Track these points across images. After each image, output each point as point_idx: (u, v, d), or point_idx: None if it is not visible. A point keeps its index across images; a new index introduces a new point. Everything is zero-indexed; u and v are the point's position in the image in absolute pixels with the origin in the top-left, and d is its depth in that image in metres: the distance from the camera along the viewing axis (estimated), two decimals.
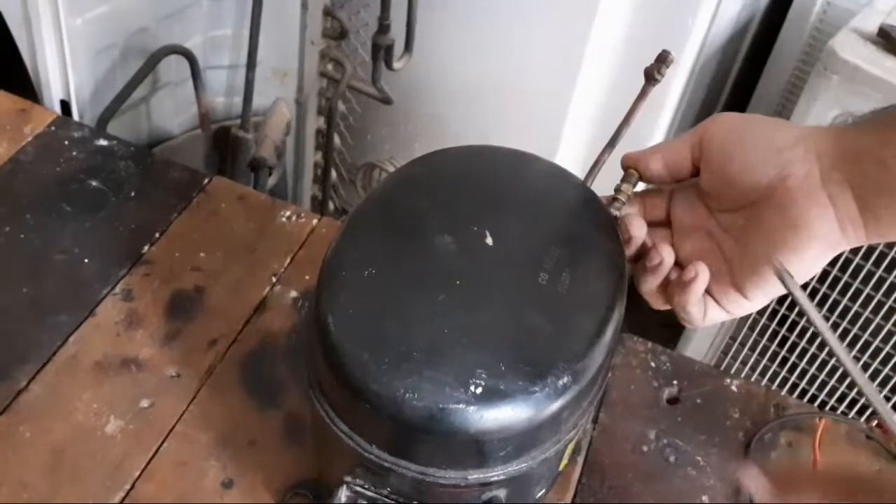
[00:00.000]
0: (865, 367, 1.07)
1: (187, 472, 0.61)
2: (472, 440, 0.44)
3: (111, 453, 0.61)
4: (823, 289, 1.05)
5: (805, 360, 1.11)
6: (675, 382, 0.70)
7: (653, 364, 0.71)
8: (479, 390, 0.43)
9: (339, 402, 0.47)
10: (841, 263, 1.03)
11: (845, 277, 1.03)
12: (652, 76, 0.53)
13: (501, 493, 0.48)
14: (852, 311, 1.04)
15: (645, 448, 0.66)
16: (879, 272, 1.00)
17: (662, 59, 0.53)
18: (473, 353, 0.44)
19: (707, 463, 0.65)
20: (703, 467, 0.65)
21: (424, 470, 0.46)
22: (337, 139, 1.27)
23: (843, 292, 1.04)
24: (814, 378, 1.12)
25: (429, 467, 0.46)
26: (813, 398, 1.12)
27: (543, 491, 0.53)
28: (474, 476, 0.46)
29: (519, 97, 1.12)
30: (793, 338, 1.11)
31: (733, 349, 1.17)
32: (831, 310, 1.06)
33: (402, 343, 0.45)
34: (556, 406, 0.45)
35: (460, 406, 0.43)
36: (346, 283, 0.47)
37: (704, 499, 0.63)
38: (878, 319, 1.03)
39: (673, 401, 0.69)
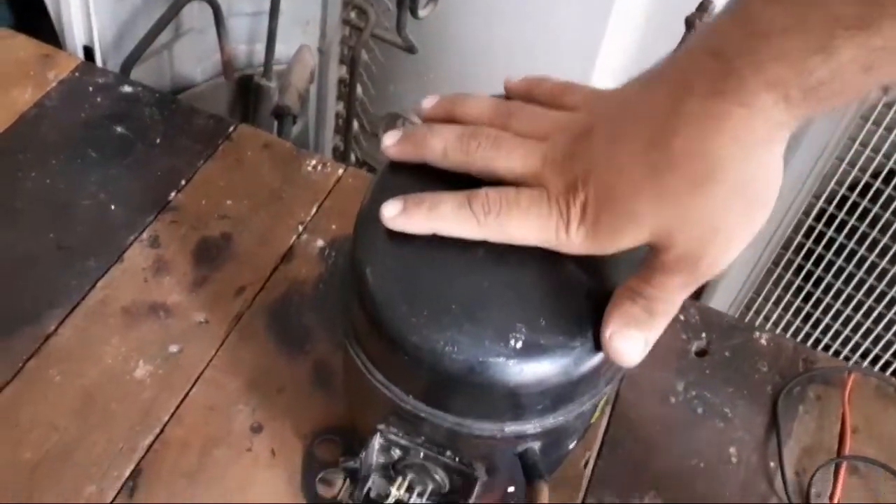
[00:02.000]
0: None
1: (216, 417, 0.61)
2: (510, 394, 0.44)
3: (140, 397, 0.61)
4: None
5: (830, 315, 1.10)
6: (703, 335, 0.69)
7: (682, 317, 0.70)
8: (518, 344, 0.43)
9: (375, 352, 0.47)
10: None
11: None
12: (693, 24, 0.52)
13: (536, 445, 0.48)
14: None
15: (672, 400, 0.66)
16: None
17: (704, 8, 0.51)
18: (513, 307, 0.44)
19: (735, 415, 0.65)
20: (730, 419, 0.65)
21: (460, 421, 0.45)
22: (359, 89, 1.26)
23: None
24: (838, 334, 1.11)
25: (465, 419, 0.45)
26: (836, 354, 1.11)
27: (575, 442, 0.53)
28: (510, 428, 0.46)
29: (545, 50, 1.10)
30: (818, 293, 1.10)
31: (757, 304, 1.16)
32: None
33: (441, 295, 0.44)
34: (595, 361, 0.44)
35: (500, 360, 0.42)
36: (382, 233, 0.46)
37: (732, 450, 0.63)
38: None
39: (701, 353, 0.69)
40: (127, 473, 0.58)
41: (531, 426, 0.46)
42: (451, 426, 0.46)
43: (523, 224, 0.42)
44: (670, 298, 0.41)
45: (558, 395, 0.45)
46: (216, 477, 0.58)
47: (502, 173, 0.44)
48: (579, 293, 0.45)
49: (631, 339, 0.42)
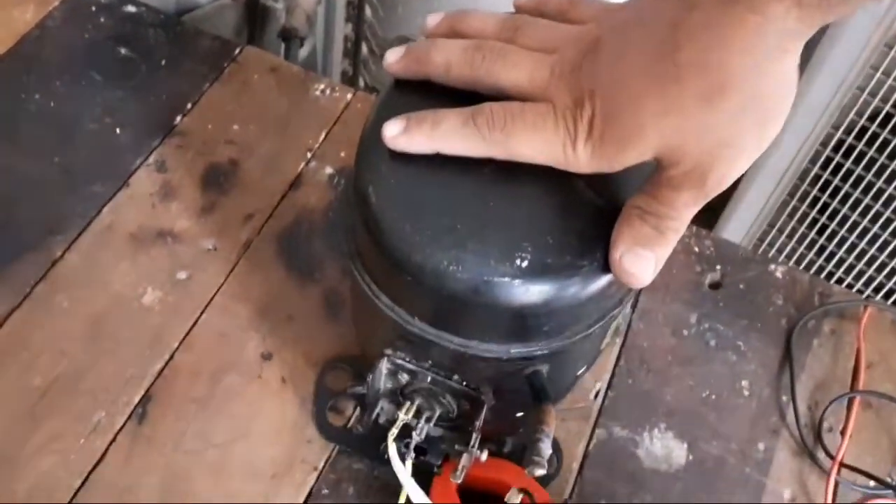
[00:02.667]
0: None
1: (226, 344, 0.61)
2: (516, 314, 0.43)
3: (149, 324, 0.61)
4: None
5: (844, 248, 1.09)
6: (717, 267, 0.68)
7: (696, 248, 0.69)
8: (524, 264, 0.42)
9: (380, 274, 0.46)
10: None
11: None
12: None
13: (543, 368, 0.47)
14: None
15: (685, 332, 0.65)
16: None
17: None
18: (519, 226, 0.43)
19: (748, 348, 0.64)
20: (743, 352, 0.64)
21: (466, 343, 0.45)
22: (368, 11, 1.22)
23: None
24: (852, 268, 1.10)
25: (471, 340, 0.45)
26: (850, 288, 1.10)
27: (584, 368, 0.53)
28: (517, 350, 0.45)
29: None
30: (833, 226, 1.08)
31: (770, 236, 1.14)
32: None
33: (445, 214, 0.43)
34: (603, 282, 0.43)
35: (505, 279, 0.42)
36: (386, 153, 0.45)
37: (744, 384, 0.63)
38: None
39: (715, 285, 0.68)
40: (136, 400, 0.58)
41: (538, 348, 0.45)
42: (456, 348, 0.45)
43: (529, 140, 0.41)
44: (679, 215, 0.40)
45: (565, 316, 0.44)
46: (226, 404, 0.58)
47: (508, 88, 0.42)
48: (587, 212, 0.44)
49: (641, 259, 0.41)
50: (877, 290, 1.09)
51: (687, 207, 0.40)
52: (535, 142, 0.41)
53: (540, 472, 0.43)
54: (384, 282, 0.46)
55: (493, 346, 0.45)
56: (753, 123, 0.38)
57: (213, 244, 0.65)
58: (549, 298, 0.42)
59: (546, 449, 0.44)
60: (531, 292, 0.42)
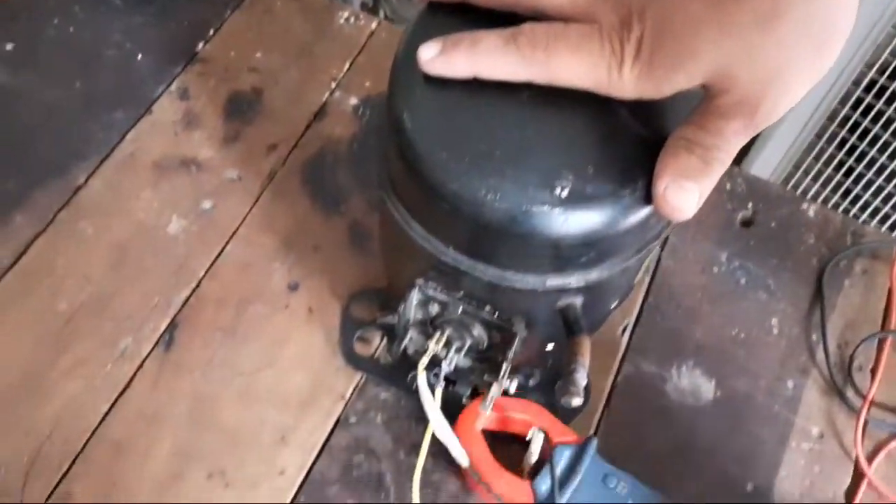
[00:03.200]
0: None
1: (252, 274, 0.60)
2: (553, 245, 0.42)
3: (174, 252, 0.60)
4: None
5: (871, 191, 1.07)
6: (749, 205, 0.67)
7: (728, 185, 0.68)
8: (564, 193, 0.41)
9: (414, 203, 0.45)
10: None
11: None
12: None
13: (578, 301, 0.47)
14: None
15: (715, 269, 0.64)
16: None
17: None
18: (560, 154, 0.41)
19: (778, 287, 0.64)
20: (773, 291, 0.63)
21: (501, 274, 0.44)
22: None
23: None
24: (877, 211, 1.08)
25: (506, 271, 0.44)
26: (891, 226, 1.09)
27: (617, 302, 0.52)
28: (552, 282, 0.44)
29: None
30: (860, 169, 1.06)
31: (796, 178, 1.13)
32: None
33: (483, 141, 0.42)
34: (643, 213, 0.42)
35: (544, 208, 0.40)
36: (420, 77, 0.43)
37: (773, 322, 0.62)
38: None
39: (747, 223, 0.66)
40: (163, 327, 0.57)
41: (574, 280, 0.44)
42: (491, 279, 0.44)
43: (572, 62, 0.39)
44: (727, 146, 0.39)
45: (604, 247, 0.43)
46: (253, 333, 0.58)
47: (548, 9, 0.40)
48: (629, 140, 0.42)
49: (686, 191, 0.39)
50: None
51: (736, 138, 0.39)
52: (579, 63, 0.39)
53: (577, 402, 0.42)
54: (418, 211, 0.45)
55: (529, 278, 0.44)
56: (809, 50, 0.36)
57: (238, 174, 0.64)
58: (589, 229, 0.41)
59: (582, 379, 0.43)
60: (570, 222, 0.41)
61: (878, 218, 1.08)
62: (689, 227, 0.66)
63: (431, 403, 0.49)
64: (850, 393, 0.59)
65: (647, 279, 0.63)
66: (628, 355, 0.60)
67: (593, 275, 0.45)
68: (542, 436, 0.52)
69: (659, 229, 0.46)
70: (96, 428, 0.53)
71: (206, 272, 0.60)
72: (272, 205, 0.63)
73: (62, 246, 0.60)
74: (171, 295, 0.58)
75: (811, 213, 0.67)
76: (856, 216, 1.10)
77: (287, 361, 0.57)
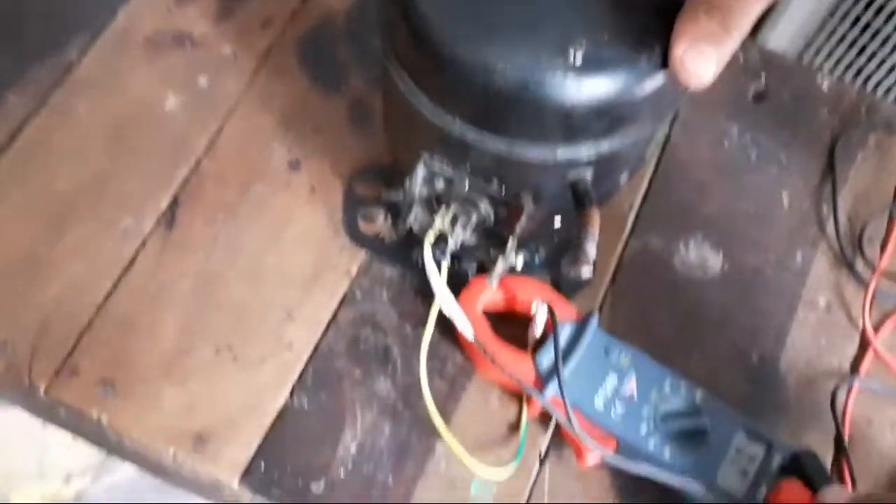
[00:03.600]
0: None
1: (252, 152, 0.59)
2: (566, 114, 0.41)
3: (172, 130, 0.59)
4: None
5: (883, 69, 1.04)
6: (762, 78, 0.65)
7: (741, 58, 0.66)
8: (578, 59, 0.39)
9: (419, 73, 0.43)
10: None
11: None
12: None
13: (588, 174, 0.46)
14: None
15: (726, 144, 0.63)
16: None
17: None
18: (574, 19, 0.40)
19: (790, 161, 0.62)
20: (785, 165, 0.62)
21: (510, 146, 0.43)
22: None
23: None
24: (889, 90, 1.06)
25: (515, 143, 0.43)
26: None
27: (627, 176, 0.51)
28: (563, 154, 0.43)
29: None
30: (873, 46, 1.03)
31: (807, 57, 1.10)
32: None
33: (494, 6, 0.40)
34: (659, 80, 0.41)
35: (557, 75, 0.39)
36: None
37: (784, 196, 0.61)
38: None
39: (759, 97, 0.65)
40: (164, 206, 0.56)
41: (585, 152, 0.43)
42: (499, 152, 0.43)
43: None
44: (748, 10, 0.37)
45: (617, 116, 0.42)
46: (256, 212, 0.57)
47: None
48: (646, 4, 0.40)
49: (704, 56, 0.38)
50: None
51: (758, 2, 0.37)
52: None
53: (586, 272, 0.42)
54: (424, 80, 0.43)
55: (539, 150, 0.43)
56: None
57: (233, 50, 0.62)
58: (603, 96, 0.40)
59: (591, 250, 0.42)
60: (584, 89, 0.39)
61: (891, 98, 1.06)
62: (700, 100, 0.64)
63: (437, 278, 0.49)
64: (859, 265, 0.59)
65: (657, 153, 0.62)
66: (635, 231, 0.59)
67: (605, 146, 0.44)
68: (545, 310, 0.51)
69: (674, 98, 0.45)
70: (101, 304, 0.53)
71: (206, 151, 0.58)
72: (269, 83, 0.61)
73: (57, 126, 0.59)
74: (170, 173, 0.57)
75: (825, 86, 0.66)
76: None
77: (290, 240, 0.56)
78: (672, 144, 0.62)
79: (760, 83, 0.65)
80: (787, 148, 0.63)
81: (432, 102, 0.44)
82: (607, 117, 0.42)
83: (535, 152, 0.43)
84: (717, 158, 0.62)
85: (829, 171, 0.62)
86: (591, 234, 0.43)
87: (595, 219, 0.44)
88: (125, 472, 1.00)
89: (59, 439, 0.94)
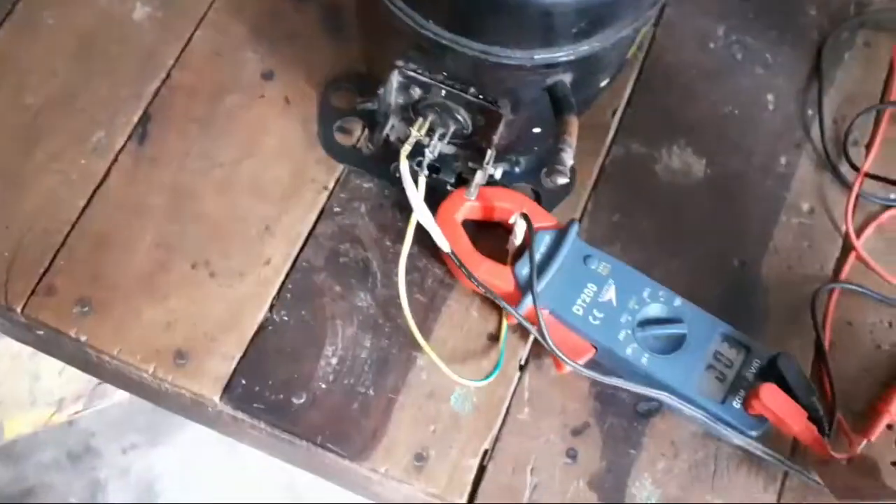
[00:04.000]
0: None
1: (224, 63, 0.57)
2: (544, 12, 0.39)
3: (142, 41, 0.57)
4: None
5: None
6: None
7: None
8: None
9: None
10: None
11: None
12: None
13: (567, 78, 0.44)
14: None
15: (711, 45, 0.61)
16: None
17: None
18: None
19: (776, 61, 0.61)
20: (771, 65, 0.61)
21: (486, 49, 0.42)
22: None
23: None
24: None
25: (492, 46, 0.42)
26: None
27: (608, 80, 0.50)
28: (541, 56, 0.42)
29: None
30: None
31: None
32: None
33: None
34: None
35: None
36: None
37: (769, 97, 0.60)
38: None
39: None
40: (135, 119, 0.55)
41: (563, 53, 0.42)
42: (475, 55, 0.42)
43: None
44: None
45: (598, 15, 0.40)
46: (229, 124, 0.56)
47: None
48: None
49: None
50: None
51: None
52: None
53: (563, 180, 0.41)
54: None
55: (516, 52, 0.42)
56: None
57: None
58: None
59: (568, 159, 0.42)
60: None
61: None
62: (685, 1, 0.62)
63: (414, 191, 0.48)
64: (844, 168, 0.58)
65: (640, 56, 0.60)
66: (618, 137, 0.58)
67: (584, 48, 0.43)
68: (524, 220, 0.51)
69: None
70: (76, 221, 0.52)
71: (176, 61, 0.57)
72: None
73: (24, 40, 0.57)
74: (141, 86, 0.56)
75: None
76: None
77: (266, 153, 0.55)
78: (656, 47, 0.61)
79: None
80: (773, 48, 0.61)
81: (406, 3, 0.42)
82: (587, 17, 0.41)
83: (512, 55, 0.42)
84: (702, 61, 0.60)
85: (816, 71, 0.61)
86: (569, 143, 0.42)
87: (573, 126, 0.43)
88: (118, 397, 1.01)
89: (50, 367, 0.95)
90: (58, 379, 0.97)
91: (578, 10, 0.39)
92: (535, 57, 0.42)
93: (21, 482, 1.01)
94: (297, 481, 1.05)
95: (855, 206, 0.57)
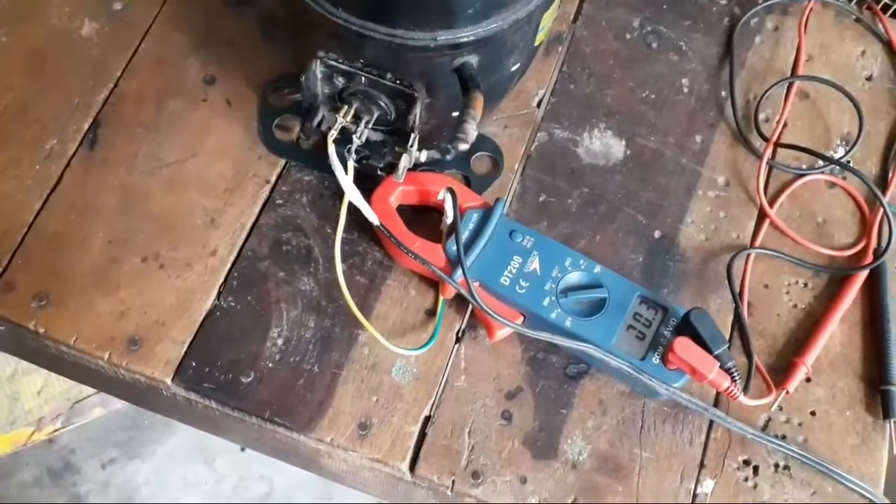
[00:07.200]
0: None
1: (168, 70, 0.61)
2: None
3: (90, 54, 0.61)
4: None
5: None
6: None
7: None
8: None
9: None
10: None
11: None
12: None
13: (473, 60, 0.48)
14: None
15: (628, 36, 0.65)
16: None
17: None
18: None
19: (689, 48, 0.65)
20: (685, 52, 0.65)
21: (392, 31, 0.45)
22: None
23: None
24: None
25: (396, 29, 0.45)
26: None
27: (518, 65, 0.53)
28: (443, 37, 0.46)
29: None
30: None
31: None
32: None
33: None
34: None
35: None
36: None
37: (684, 81, 0.64)
38: None
39: None
40: (86, 126, 0.59)
41: (465, 34, 0.46)
42: (383, 38, 0.46)
43: None
44: None
45: None
46: (175, 126, 0.59)
47: None
48: None
49: None
50: None
51: None
52: None
53: (463, 146, 0.45)
54: None
55: (420, 34, 0.46)
56: None
57: None
58: None
59: (471, 129, 0.45)
60: None
61: None
62: None
63: (342, 172, 0.52)
64: (756, 142, 0.62)
65: (562, 49, 0.64)
66: (542, 124, 0.62)
67: (483, 28, 0.46)
68: (450, 196, 0.54)
69: None
70: (32, 222, 0.56)
71: (123, 71, 0.60)
72: (182, 1, 0.63)
73: None
74: (90, 95, 0.60)
75: None
76: None
77: (209, 151, 0.59)
78: (576, 39, 0.65)
79: None
80: (687, 36, 0.65)
81: None
82: None
83: (417, 37, 0.46)
84: (619, 50, 0.64)
85: (728, 55, 0.65)
86: (472, 116, 0.46)
87: (478, 102, 0.47)
88: (95, 413, 1.04)
89: (29, 388, 0.97)
90: (36, 399, 1.00)
91: None
92: (439, 38, 0.45)
93: (3, 501, 1.03)
94: (275, 492, 1.07)
95: (768, 175, 0.61)
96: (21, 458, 1.03)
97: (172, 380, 0.53)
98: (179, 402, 0.55)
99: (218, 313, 0.55)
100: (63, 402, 1.01)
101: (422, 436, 0.53)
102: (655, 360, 0.52)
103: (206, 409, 0.54)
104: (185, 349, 0.54)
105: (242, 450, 1.03)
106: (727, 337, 0.56)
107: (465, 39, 0.46)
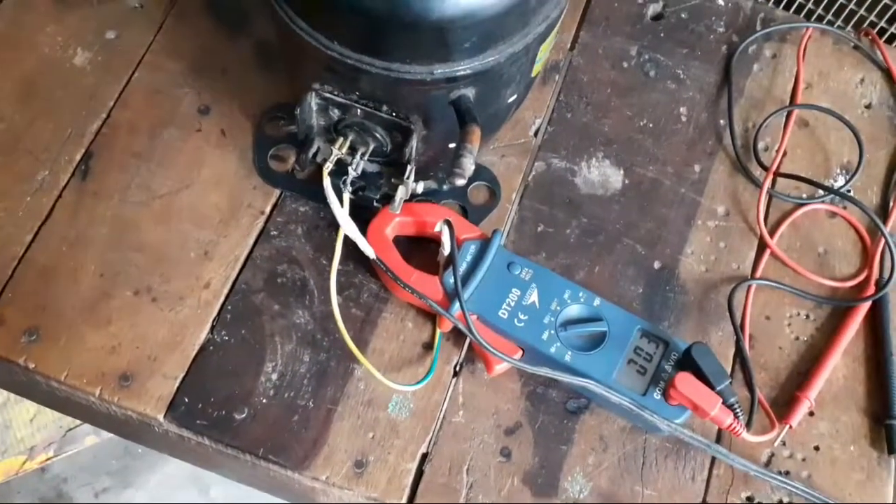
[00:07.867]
0: None
1: (162, 100, 0.60)
2: (435, 28, 0.43)
3: (83, 83, 0.60)
4: None
5: None
6: None
7: None
8: None
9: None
10: None
11: None
12: None
13: (469, 92, 0.48)
14: None
15: (625, 64, 0.64)
16: None
17: None
18: None
19: (687, 76, 0.64)
20: (683, 80, 0.64)
21: (388, 65, 0.45)
22: None
23: None
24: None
25: (393, 62, 0.45)
26: (800, 8, 1.08)
27: (515, 97, 0.53)
28: (440, 70, 0.45)
29: None
30: None
31: None
32: None
33: None
34: None
35: None
36: None
37: (682, 110, 0.63)
38: None
39: (657, 17, 0.67)
40: (78, 157, 0.58)
41: (461, 67, 0.45)
42: (380, 72, 0.45)
43: None
44: None
45: (486, 29, 0.44)
46: (168, 157, 0.58)
47: None
48: None
49: None
50: (826, 7, 1.06)
51: None
52: None
53: (460, 181, 0.44)
54: (301, 7, 0.46)
55: (416, 67, 0.45)
56: None
57: (139, 2, 0.63)
58: (468, 10, 0.42)
59: (468, 163, 0.45)
60: (448, 4, 0.42)
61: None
62: (599, 23, 0.66)
63: (337, 204, 0.51)
64: (755, 171, 0.61)
65: (559, 78, 0.64)
66: (539, 153, 0.61)
67: (479, 61, 0.46)
68: (447, 226, 0.53)
69: (543, 14, 0.46)
70: (23, 255, 0.55)
71: (116, 101, 0.60)
72: (176, 30, 0.63)
73: None
74: (83, 126, 0.59)
75: (721, 1, 0.67)
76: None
77: (203, 182, 0.58)
78: (573, 68, 0.64)
79: (658, 3, 0.67)
80: (684, 64, 0.65)
81: (311, 27, 0.45)
82: (476, 32, 0.44)
83: (413, 71, 0.45)
84: (617, 79, 0.64)
85: (726, 83, 0.64)
86: (469, 150, 0.45)
87: (475, 135, 0.46)
88: (88, 441, 1.03)
89: (20, 416, 0.96)
90: (28, 427, 0.98)
91: (466, 26, 0.42)
92: (436, 72, 0.45)
93: None
94: None
95: (768, 204, 0.60)
96: (13, 488, 1.02)
97: (164, 416, 0.52)
98: (172, 438, 0.54)
99: (211, 348, 0.54)
100: (55, 431, 1.00)
101: (419, 473, 0.52)
102: (657, 395, 0.51)
103: (198, 445, 0.53)
104: (177, 385, 0.53)
105: None
106: (729, 370, 0.55)
107: (462, 73, 0.45)
